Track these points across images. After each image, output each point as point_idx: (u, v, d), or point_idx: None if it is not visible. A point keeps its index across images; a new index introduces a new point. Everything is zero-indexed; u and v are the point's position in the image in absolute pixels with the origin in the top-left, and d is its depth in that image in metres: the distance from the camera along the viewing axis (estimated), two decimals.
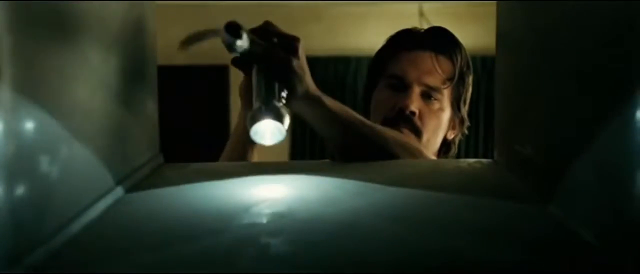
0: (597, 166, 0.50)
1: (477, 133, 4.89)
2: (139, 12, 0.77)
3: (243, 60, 0.84)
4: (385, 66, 1.23)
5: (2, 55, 0.42)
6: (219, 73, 5.46)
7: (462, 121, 1.25)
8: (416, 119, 1.15)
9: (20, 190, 0.44)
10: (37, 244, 0.47)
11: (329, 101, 0.91)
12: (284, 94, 0.81)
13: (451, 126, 1.23)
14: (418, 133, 1.15)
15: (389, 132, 0.97)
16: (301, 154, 4.70)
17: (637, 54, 0.43)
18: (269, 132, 0.77)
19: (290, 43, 0.84)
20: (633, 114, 0.43)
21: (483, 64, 5.10)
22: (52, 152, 0.50)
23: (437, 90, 1.17)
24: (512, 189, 0.69)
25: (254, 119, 0.77)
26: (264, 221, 0.58)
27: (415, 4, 4.38)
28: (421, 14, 4.37)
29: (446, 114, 1.20)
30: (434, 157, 1.19)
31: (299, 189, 0.71)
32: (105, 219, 0.58)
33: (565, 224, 0.55)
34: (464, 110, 1.25)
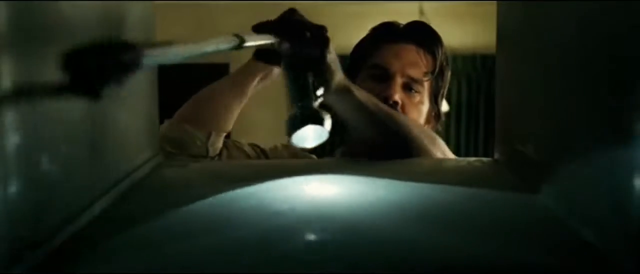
0: (597, 164, 0.50)
1: (477, 132, 4.89)
2: (139, 11, 0.77)
3: (268, 54, 0.83)
4: (366, 58, 1.23)
5: (1, 52, 0.42)
6: (219, 71, 5.46)
7: (437, 116, 1.27)
8: (399, 110, 1.15)
9: (20, 188, 0.44)
10: (37, 243, 0.47)
11: (357, 90, 0.90)
12: (319, 92, 0.80)
13: (428, 119, 1.24)
14: None
15: (402, 117, 1.00)
16: None
17: (637, 53, 0.43)
18: (311, 137, 0.77)
19: (320, 34, 0.82)
20: (633, 112, 0.43)
21: (483, 63, 5.10)
22: (52, 150, 0.50)
23: (419, 82, 1.18)
24: (512, 188, 0.69)
25: (295, 127, 0.75)
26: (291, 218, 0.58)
27: (416, 3, 4.38)
28: (421, 13, 4.37)
29: (425, 107, 1.21)
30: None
31: (317, 187, 0.71)
32: (106, 217, 0.58)
33: (566, 222, 0.55)
34: (441, 105, 1.26)
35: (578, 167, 0.54)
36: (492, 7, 0.88)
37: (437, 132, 1.24)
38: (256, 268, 0.46)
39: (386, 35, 1.23)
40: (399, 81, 1.17)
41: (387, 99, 1.14)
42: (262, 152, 1.22)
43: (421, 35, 1.22)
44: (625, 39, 0.45)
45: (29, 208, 0.46)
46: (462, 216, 0.59)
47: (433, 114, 1.25)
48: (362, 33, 1.29)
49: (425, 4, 4.39)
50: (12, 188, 0.43)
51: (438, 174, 0.80)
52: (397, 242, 0.52)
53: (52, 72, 0.50)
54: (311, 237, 0.53)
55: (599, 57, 0.50)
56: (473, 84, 5.17)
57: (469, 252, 0.50)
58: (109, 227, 0.57)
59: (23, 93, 0.45)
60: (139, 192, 0.69)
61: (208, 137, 1.09)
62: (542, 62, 0.65)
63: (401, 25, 1.25)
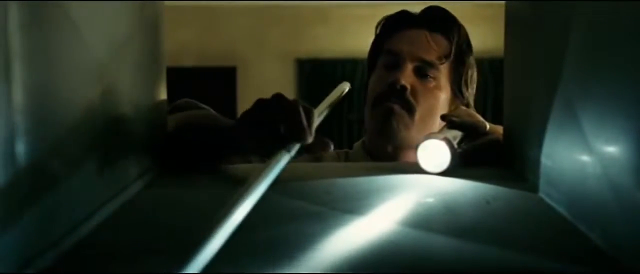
0: (605, 167, 0.50)
1: None
2: (149, 14, 0.77)
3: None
4: (381, 46, 1.21)
5: (13, 54, 0.42)
6: (226, 74, 5.48)
7: (466, 106, 1.20)
8: (408, 95, 1.12)
9: (29, 191, 0.44)
10: (47, 247, 0.47)
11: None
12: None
13: (453, 108, 1.18)
14: (410, 109, 1.13)
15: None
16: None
17: None
18: (436, 155, 0.79)
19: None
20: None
21: (490, 66, 5.09)
22: (62, 153, 0.50)
23: (432, 66, 1.14)
24: (519, 192, 0.69)
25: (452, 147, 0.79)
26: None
27: (422, 5, 4.38)
28: None
29: (444, 94, 1.17)
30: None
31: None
32: (116, 220, 0.59)
33: (574, 226, 0.55)
34: (468, 93, 1.21)
35: (586, 170, 0.54)
36: (500, 9, 0.87)
37: None
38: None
39: (399, 22, 1.21)
40: (409, 65, 1.14)
41: (394, 84, 1.12)
42: None
43: (435, 19, 1.18)
44: (634, 39, 0.45)
45: (40, 211, 0.46)
46: (469, 218, 0.59)
47: (459, 103, 1.20)
48: (370, 35, 1.28)
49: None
50: (25, 190, 0.43)
51: (455, 184, 0.80)
52: (407, 246, 0.52)
53: (61, 73, 0.51)
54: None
55: (605, 58, 0.50)
56: (480, 88, 5.15)
57: (478, 257, 0.50)
58: (118, 231, 0.57)
59: (34, 98, 0.45)
60: (148, 196, 0.69)
61: None
62: (551, 64, 0.64)
63: (415, 13, 1.23)
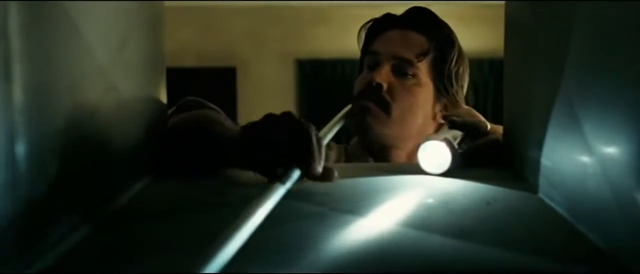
0: (605, 168, 0.50)
1: None
2: (149, 14, 0.77)
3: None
4: (366, 48, 1.25)
5: (13, 54, 0.42)
6: (226, 75, 5.48)
7: (455, 102, 1.21)
8: (384, 93, 1.14)
9: (29, 193, 0.44)
10: (47, 247, 0.47)
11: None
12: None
13: (440, 106, 1.20)
14: (386, 106, 1.14)
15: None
16: None
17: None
18: (436, 156, 0.80)
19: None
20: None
21: (490, 67, 5.09)
22: (62, 154, 0.50)
23: (410, 63, 1.16)
24: (519, 193, 0.69)
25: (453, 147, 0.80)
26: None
27: (422, 5, 4.38)
28: None
29: (424, 91, 1.18)
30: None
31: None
32: (115, 220, 0.59)
33: (574, 227, 0.55)
34: (454, 90, 1.21)
35: (586, 171, 0.54)
36: (500, 10, 0.87)
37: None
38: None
39: (381, 24, 1.24)
40: (386, 64, 1.16)
41: (371, 82, 1.15)
42: None
43: (415, 19, 1.21)
44: (632, 39, 0.45)
45: (40, 212, 0.46)
46: (469, 219, 0.59)
47: (446, 100, 1.20)
48: None
49: (433, 6, 4.39)
50: (24, 192, 0.43)
51: (453, 185, 0.80)
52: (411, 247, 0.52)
53: (60, 73, 0.51)
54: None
55: (606, 59, 0.50)
56: (480, 89, 5.16)
57: (478, 257, 0.50)
58: (118, 231, 0.57)
59: (34, 98, 0.45)
60: (147, 197, 0.69)
61: None
62: (551, 64, 0.64)
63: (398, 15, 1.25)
